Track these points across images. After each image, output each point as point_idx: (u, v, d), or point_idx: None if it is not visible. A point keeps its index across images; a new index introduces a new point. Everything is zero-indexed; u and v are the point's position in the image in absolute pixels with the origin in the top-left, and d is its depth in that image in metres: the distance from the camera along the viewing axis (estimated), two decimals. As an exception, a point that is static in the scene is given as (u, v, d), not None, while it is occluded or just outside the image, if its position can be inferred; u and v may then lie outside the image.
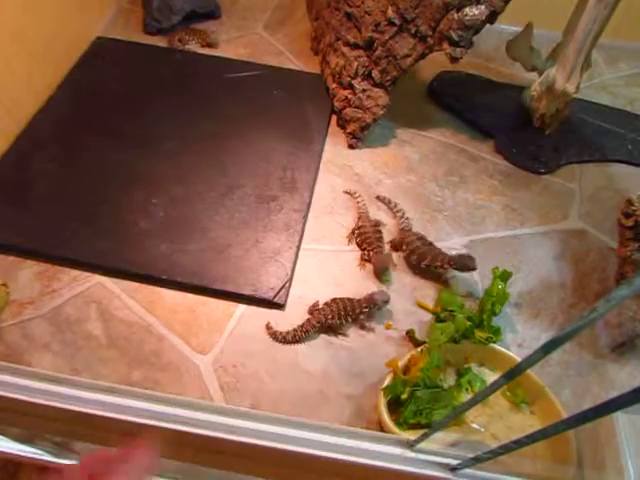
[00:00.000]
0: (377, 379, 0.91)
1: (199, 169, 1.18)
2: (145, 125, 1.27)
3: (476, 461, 0.67)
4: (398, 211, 1.15)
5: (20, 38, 1.20)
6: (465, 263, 1.00)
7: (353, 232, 1.11)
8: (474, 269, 1.00)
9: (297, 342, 0.94)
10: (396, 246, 1.09)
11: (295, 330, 0.93)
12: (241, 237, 1.06)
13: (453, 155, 1.34)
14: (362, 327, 0.97)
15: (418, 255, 1.03)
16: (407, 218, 1.13)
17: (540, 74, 1.33)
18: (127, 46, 1.49)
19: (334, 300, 0.96)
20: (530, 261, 1.13)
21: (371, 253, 1.05)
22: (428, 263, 1.02)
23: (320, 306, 0.96)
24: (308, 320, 0.94)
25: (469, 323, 0.87)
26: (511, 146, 1.37)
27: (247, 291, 0.98)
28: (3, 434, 1.18)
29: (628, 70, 1.70)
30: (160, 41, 1.54)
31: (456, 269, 1.01)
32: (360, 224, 1.10)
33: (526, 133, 1.40)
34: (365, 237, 1.07)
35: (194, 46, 1.54)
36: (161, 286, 1.01)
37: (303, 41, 1.60)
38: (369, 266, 1.06)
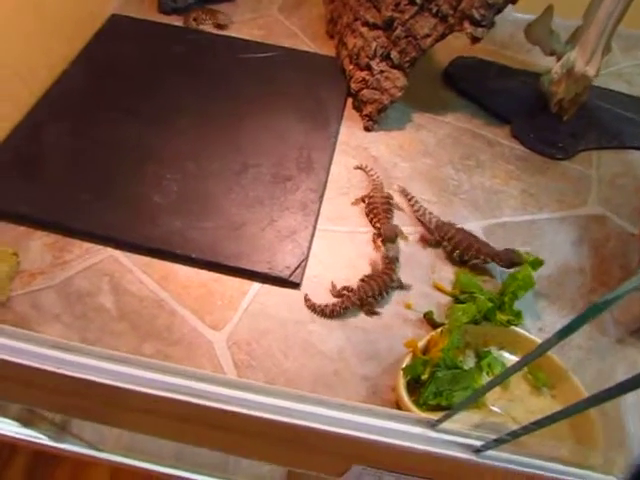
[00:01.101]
0: (394, 361, 0.89)
1: (213, 147, 1.16)
2: (159, 102, 1.25)
3: (500, 442, 0.65)
4: (418, 210, 1.10)
5: (40, 11, 1.18)
6: (512, 260, 0.96)
7: (363, 200, 1.10)
8: (520, 264, 0.95)
9: (333, 317, 0.93)
10: (434, 244, 1.05)
11: (334, 305, 0.93)
12: (256, 215, 1.04)
13: (469, 140, 1.32)
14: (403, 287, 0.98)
15: (463, 249, 1.00)
16: (430, 213, 1.09)
17: (559, 59, 1.31)
18: (142, 24, 1.47)
19: (370, 277, 0.96)
20: (549, 246, 1.11)
21: (377, 225, 1.04)
22: (470, 256, 1.00)
23: (358, 283, 0.95)
24: (348, 297, 0.93)
25: (491, 304, 0.85)
26: (528, 131, 1.35)
27: (262, 269, 0.96)
28: (2, 414, 1.16)
29: (646, 59, 1.68)
30: (175, 20, 1.52)
31: (503, 266, 0.98)
32: (371, 194, 1.09)
33: (543, 119, 1.38)
34: (372, 207, 1.06)
35: (208, 26, 1.52)
36: (174, 261, 0.99)
37: (318, 24, 1.58)
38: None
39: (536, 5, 1.32)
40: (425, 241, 1.06)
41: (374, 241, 1.05)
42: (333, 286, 0.97)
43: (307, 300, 0.95)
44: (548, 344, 0.54)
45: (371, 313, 0.95)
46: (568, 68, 1.25)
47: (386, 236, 1.02)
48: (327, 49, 1.48)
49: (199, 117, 1.23)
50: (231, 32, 1.51)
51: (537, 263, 0.92)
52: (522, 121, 1.37)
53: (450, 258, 1.05)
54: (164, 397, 0.72)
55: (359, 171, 1.19)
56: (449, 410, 0.68)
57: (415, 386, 0.82)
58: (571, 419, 0.81)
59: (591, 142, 1.36)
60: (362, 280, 0.96)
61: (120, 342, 0.90)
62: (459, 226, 1.06)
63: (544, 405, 0.82)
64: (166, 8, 1.54)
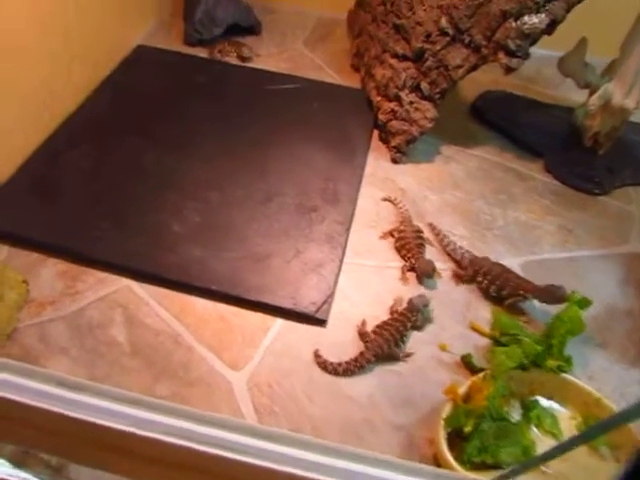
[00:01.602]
0: (430, 409, 0.81)
1: (237, 175, 1.12)
2: (182, 130, 1.23)
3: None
4: (447, 245, 1.04)
5: (66, 37, 1.18)
6: (554, 294, 0.88)
7: (392, 234, 1.05)
8: (564, 301, 0.87)
9: (348, 376, 0.84)
10: (468, 279, 0.99)
11: (348, 363, 0.84)
12: (281, 246, 0.99)
13: (500, 173, 1.27)
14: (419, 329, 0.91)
15: (500, 284, 0.93)
16: (461, 248, 1.03)
17: (592, 92, 1.27)
18: (167, 54, 1.47)
19: (383, 327, 0.87)
20: (592, 286, 1.03)
21: (412, 260, 0.99)
22: (509, 293, 0.92)
23: (371, 336, 0.87)
24: (362, 354, 0.85)
25: (540, 348, 0.77)
26: (562, 166, 1.30)
27: (286, 304, 0.90)
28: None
29: (678, 98, 1.62)
30: (200, 52, 1.52)
31: (544, 302, 0.91)
32: (401, 228, 1.04)
33: (577, 153, 1.33)
34: (405, 242, 1.01)
35: (233, 58, 1.51)
36: (193, 294, 0.94)
37: (343, 58, 1.56)
38: (412, 280, 0.98)
39: (560, 42, 1.29)
40: (459, 277, 1.00)
41: (403, 273, 0.99)
42: (363, 323, 0.90)
43: (318, 357, 0.86)
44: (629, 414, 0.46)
45: (398, 360, 0.87)
46: (605, 100, 1.20)
47: (423, 271, 0.96)
48: (352, 81, 1.46)
49: (223, 145, 1.19)
50: (256, 64, 1.51)
51: (585, 303, 0.85)
52: (555, 155, 1.32)
53: (486, 295, 0.97)
54: (175, 444, 0.65)
55: (387, 204, 1.14)
56: (498, 471, 0.59)
57: (455, 439, 0.74)
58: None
59: (629, 178, 1.30)
60: (374, 332, 0.87)
61: (132, 380, 0.83)
62: (495, 260, 0.99)
63: (606, 468, 0.73)
64: (192, 40, 1.54)
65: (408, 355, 0.87)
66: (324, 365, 0.85)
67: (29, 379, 0.70)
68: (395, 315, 0.90)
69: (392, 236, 1.05)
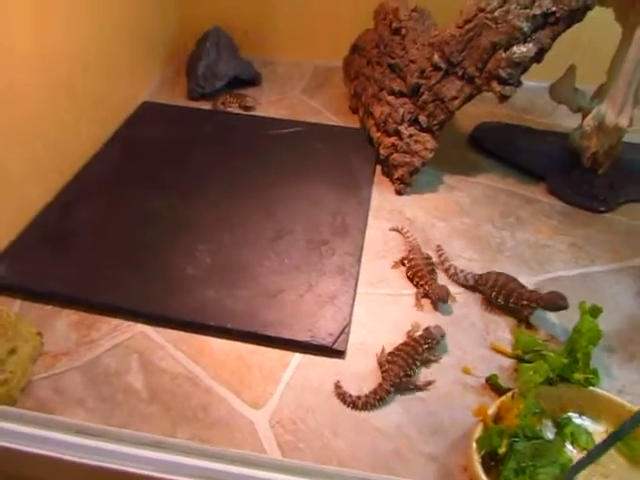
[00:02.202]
0: (461, 434, 0.78)
1: (246, 216, 1.14)
2: (189, 177, 1.25)
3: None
4: (448, 269, 1.05)
5: (72, 95, 1.23)
6: (555, 302, 0.90)
7: (402, 263, 1.05)
8: (565, 307, 0.89)
9: (368, 410, 0.82)
10: (476, 290, 1.02)
11: (367, 397, 0.82)
12: (293, 281, 0.99)
13: (505, 198, 1.28)
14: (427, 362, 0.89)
15: (506, 293, 0.95)
16: (462, 271, 1.04)
17: (585, 115, 1.30)
18: (172, 109, 1.52)
19: (395, 354, 0.86)
20: (610, 299, 1.02)
21: (425, 287, 0.98)
22: (515, 301, 0.94)
23: (386, 365, 0.85)
24: (380, 385, 0.83)
25: (565, 360, 0.75)
26: (565, 187, 1.31)
27: (303, 337, 0.89)
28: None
29: (671, 120, 1.67)
30: (203, 105, 1.58)
31: (545, 308, 0.92)
32: (411, 256, 1.04)
33: (578, 174, 1.34)
34: (416, 270, 1.01)
35: (235, 108, 1.57)
36: (208, 334, 0.93)
37: (341, 102, 1.62)
38: (428, 307, 0.97)
39: (550, 73, 1.34)
40: (485, 303, 1.00)
41: (418, 300, 0.99)
42: (382, 352, 0.89)
43: (338, 388, 0.84)
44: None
45: (419, 389, 0.85)
46: (599, 121, 1.23)
47: (438, 296, 0.95)
48: (351, 122, 1.51)
49: (231, 188, 1.22)
50: (258, 112, 1.56)
51: (596, 311, 0.83)
52: (557, 177, 1.34)
53: (495, 304, 0.98)
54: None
55: (396, 234, 1.15)
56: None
57: (489, 463, 0.71)
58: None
59: (633, 194, 1.31)
60: (388, 361, 0.86)
61: (150, 426, 0.81)
62: (499, 271, 1.00)
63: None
64: (195, 94, 1.61)
65: (429, 383, 0.85)
66: (343, 397, 0.83)
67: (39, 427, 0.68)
68: (408, 340, 0.89)
69: (403, 265, 1.05)
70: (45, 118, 1.14)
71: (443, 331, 0.90)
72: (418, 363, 0.86)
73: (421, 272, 1.00)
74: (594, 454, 0.57)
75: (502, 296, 0.96)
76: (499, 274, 0.99)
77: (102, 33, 1.32)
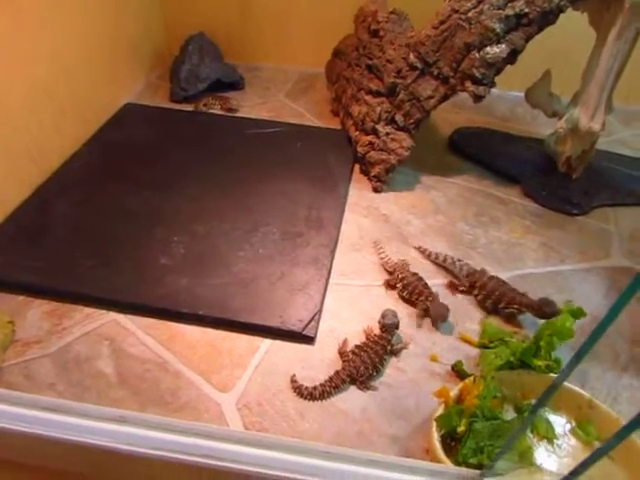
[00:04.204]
0: (424, 419, 0.79)
1: (223, 211, 1.15)
2: (168, 174, 1.27)
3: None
4: (445, 260, 1.06)
5: (52, 94, 1.25)
6: (547, 310, 0.90)
7: (391, 285, 1.01)
8: (552, 316, 0.88)
9: (325, 398, 0.82)
10: (466, 291, 1.01)
11: (323, 385, 0.82)
12: (266, 271, 1.00)
13: (480, 198, 1.31)
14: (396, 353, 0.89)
15: (495, 297, 0.95)
16: (460, 260, 1.05)
17: (560, 119, 1.34)
18: (154, 110, 1.54)
19: (362, 349, 0.86)
20: (578, 297, 1.04)
21: (427, 302, 0.94)
22: (505, 306, 0.94)
23: (349, 356, 0.86)
24: (337, 373, 0.83)
25: (525, 345, 0.77)
26: (540, 189, 1.34)
27: (273, 323, 0.90)
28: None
29: (644, 129, 1.72)
30: (185, 107, 1.60)
31: (537, 316, 0.92)
32: (401, 276, 0.99)
33: (553, 178, 1.38)
34: (413, 288, 0.96)
35: (217, 110, 1.59)
36: (180, 321, 0.93)
37: (323, 106, 1.65)
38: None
39: (529, 83, 1.38)
40: (454, 288, 1.01)
41: (419, 319, 0.96)
42: (344, 342, 0.89)
43: (293, 382, 0.84)
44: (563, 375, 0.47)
45: (365, 388, 0.84)
46: (573, 124, 1.27)
47: (439, 316, 0.92)
48: (332, 124, 1.53)
49: (209, 185, 1.23)
50: (240, 114, 1.58)
51: (579, 313, 0.84)
52: (532, 180, 1.37)
53: (483, 307, 0.98)
54: (168, 458, 0.63)
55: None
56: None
57: (451, 445, 0.72)
58: (637, 477, 0.69)
59: (605, 199, 1.34)
60: (353, 352, 0.86)
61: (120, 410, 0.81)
62: (491, 274, 1.00)
63: (601, 468, 0.70)
64: (177, 97, 1.63)
65: (369, 387, 0.84)
66: (299, 391, 0.82)
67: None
68: (375, 339, 0.88)
69: (392, 288, 1.01)
70: (23, 117, 1.16)
71: (396, 319, 0.90)
72: (384, 362, 0.86)
73: (417, 289, 0.96)
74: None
75: (491, 300, 0.95)
76: (490, 278, 0.98)
77: (81, 36, 1.34)
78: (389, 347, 0.87)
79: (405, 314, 0.97)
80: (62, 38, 1.27)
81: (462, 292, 1.01)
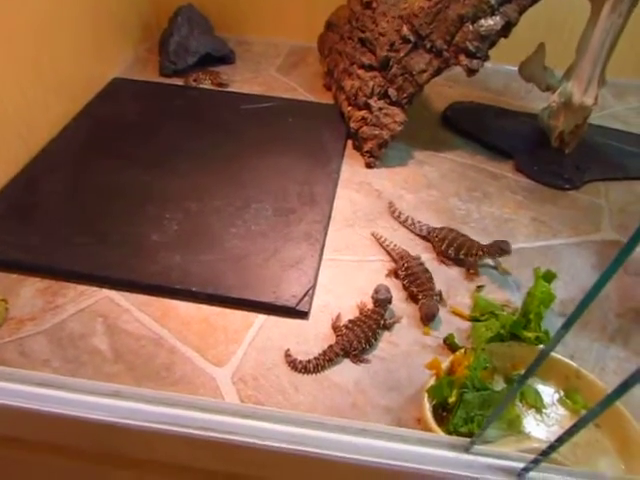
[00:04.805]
0: (416, 390, 0.81)
1: (215, 187, 1.15)
2: (159, 150, 1.25)
3: (541, 460, 0.56)
4: (405, 221, 1.12)
5: (37, 70, 1.22)
6: (500, 247, 0.98)
7: (396, 273, 0.99)
8: (508, 252, 0.98)
9: (319, 371, 0.83)
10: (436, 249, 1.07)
11: (317, 359, 0.83)
12: (259, 247, 1.00)
13: (473, 174, 1.31)
14: (389, 328, 0.90)
15: (456, 246, 1.02)
16: (419, 222, 1.10)
17: (554, 94, 1.33)
18: (143, 85, 1.52)
19: (356, 323, 0.87)
20: (568, 270, 1.05)
21: (420, 296, 0.93)
22: (465, 252, 1.01)
23: (343, 330, 0.87)
24: (330, 347, 0.84)
25: (515, 317, 0.78)
26: (532, 165, 1.34)
27: (267, 299, 0.90)
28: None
29: (637, 103, 1.72)
30: (176, 82, 1.57)
31: (491, 254, 1.00)
32: (406, 265, 0.98)
33: (546, 153, 1.38)
34: (415, 278, 0.95)
35: (208, 85, 1.57)
36: (174, 298, 0.94)
37: (316, 80, 1.63)
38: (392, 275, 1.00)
39: (523, 57, 1.37)
40: (439, 258, 1.06)
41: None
42: (338, 317, 0.90)
43: (288, 356, 0.84)
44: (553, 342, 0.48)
45: (359, 361, 0.85)
46: (566, 98, 1.26)
47: (426, 314, 0.91)
48: (325, 99, 1.52)
49: (201, 160, 1.22)
50: (232, 89, 1.56)
51: (550, 276, 0.86)
52: (525, 155, 1.37)
53: (446, 256, 1.05)
54: (164, 431, 0.64)
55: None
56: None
57: (442, 415, 0.73)
58: (621, 443, 0.72)
59: (596, 174, 1.35)
60: (346, 326, 0.87)
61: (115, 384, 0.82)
62: (451, 227, 1.07)
63: (587, 435, 0.73)
64: (167, 71, 1.60)
65: (362, 361, 0.85)
66: (294, 364, 0.83)
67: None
68: (368, 313, 0.89)
69: (396, 277, 1.00)
70: (10, 92, 1.13)
71: (389, 294, 0.91)
72: (378, 337, 0.87)
73: (419, 279, 0.95)
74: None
75: (453, 249, 1.03)
76: (450, 230, 1.05)
77: (66, 10, 1.30)
78: (382, 321, 0.88)
79: (399, 288, 0.98)
80: (46, 12, 1.23)
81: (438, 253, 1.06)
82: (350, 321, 0.88)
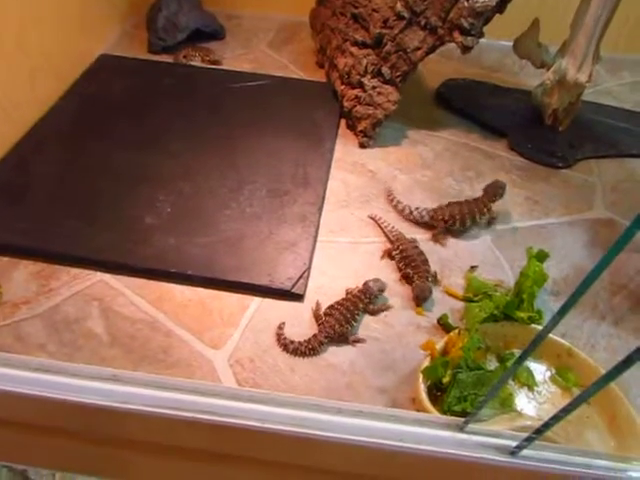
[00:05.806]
0: (411, 370, 0.82)
1: (207, 167, 1.14)
2: (150, 129, 1.23)
3: (534, 438, 0.58)
4: (403, 210, 1.09)
5: (23, 47, 1.19)
6: (496, 188, 1.06)
7: (390, 254, 0.99)
8: (504, 187, 1.07)
9: (299, 356, 0.84)
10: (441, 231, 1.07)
11: (300, 344, 0.84)
12: (254, 229, 1.00)
13: (467, 153, 1.31)
14: (374, 314, 0.90)
15: (460, 219, 1.04)
16: (417, 208, 1.08)
17: (548, 70, 1.32)
18: (131, 62, 1.48)
19: (334, 308, 0.87)
20: (561, 249, 1.07)
21: (415, 277, 0.93)
22: (471, 224, 1.06)
23: (323, 318, 0.87)
24: (315, 336, 0.84)
25: (508, 298, 0.79)
26: (525, 143, 1.34)
27: (263, 281, 0.90)
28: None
29: (630, 78, 1.71)
30: (165, 59, 1.54)
31: (494, 200, 1.06)
32: (401, 247, 0.97)
33: (539, 131, 1.37)
34: (410, 260, 0.95)
35: (198, 62, 1.53)
36: (169, 281, 0.94)
37: (308, 57, 1.60)
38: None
39: (517, 32, 1.35)
40: (434, 238, 1.05)
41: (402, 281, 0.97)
42: (317, 305, 0.90)
43: (280, 339, 0.85)
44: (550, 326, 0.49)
45: (353, 342, 0.86)
46: (560, 76, 1.25)
47: (418, 295, 0.91)
48: (318, 77, 1.49)
49: (193, 140, 1.21)
50: (222, 66, 1.53)
51: (542, 255, 0.87)
52: (518, 134, 1.37)
53: (454, 233, 1.07)
54: (162, 415, 0.65)
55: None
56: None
57: (437, 395, 0.75)
58: (611, 420, 0.74)
59: (589, 151, 1.35)
60: (325, 313, 0.87)
61: (112, 368, 0.82)
62: (447, 202, 1.08)
63: (579, 412, 0.74)
64: (156, 47, 1.56)
65: (358, 341, 0.86)
66: (286, 347, 0.83)
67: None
68: (348, 296, 0.89)
69: (391, 258, 1.00)
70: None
71: (383, 285, 0.90)
72: (357, 317, 0.87)
73: (414, 261, 0.95)
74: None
75: (458, 222, 1.04)
76: (448, 204, 1.06)
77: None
78: (362, 304, 0.87)
79: (393, 269, 0.99)
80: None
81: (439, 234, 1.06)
82: (329, 307, 0.88)
